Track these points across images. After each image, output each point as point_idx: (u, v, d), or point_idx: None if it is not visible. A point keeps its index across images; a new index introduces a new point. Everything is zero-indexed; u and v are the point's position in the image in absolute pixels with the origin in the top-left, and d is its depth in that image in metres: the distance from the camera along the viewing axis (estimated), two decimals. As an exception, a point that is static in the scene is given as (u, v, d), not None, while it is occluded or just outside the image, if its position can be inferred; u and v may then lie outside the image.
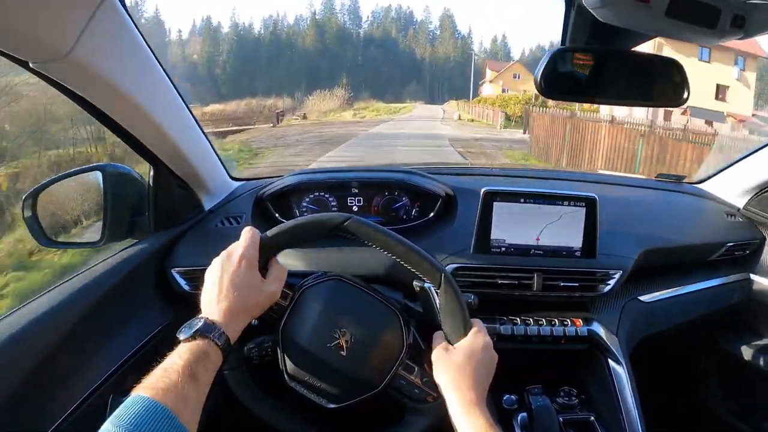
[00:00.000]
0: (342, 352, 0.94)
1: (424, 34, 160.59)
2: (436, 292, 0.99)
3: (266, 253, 0.95)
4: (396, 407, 0.99)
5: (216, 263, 0.92)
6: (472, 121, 37.32)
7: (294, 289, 1.00)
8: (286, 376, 0.96)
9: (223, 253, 0.93)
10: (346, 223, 0.96)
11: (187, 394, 0.72)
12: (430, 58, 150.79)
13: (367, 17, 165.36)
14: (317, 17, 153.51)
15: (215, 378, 0.82)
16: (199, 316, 0.85)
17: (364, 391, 0.95)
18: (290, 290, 0.99)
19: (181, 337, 0.81)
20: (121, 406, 0.69)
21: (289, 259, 1.34)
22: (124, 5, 0.95)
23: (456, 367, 0.90)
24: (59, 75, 0.92)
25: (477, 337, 0.94)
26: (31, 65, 0.87)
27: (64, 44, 0.83)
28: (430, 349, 0.96)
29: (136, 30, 1.02)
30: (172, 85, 1.21)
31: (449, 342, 0.95)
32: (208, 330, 0.82)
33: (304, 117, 48.56)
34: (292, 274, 1.01)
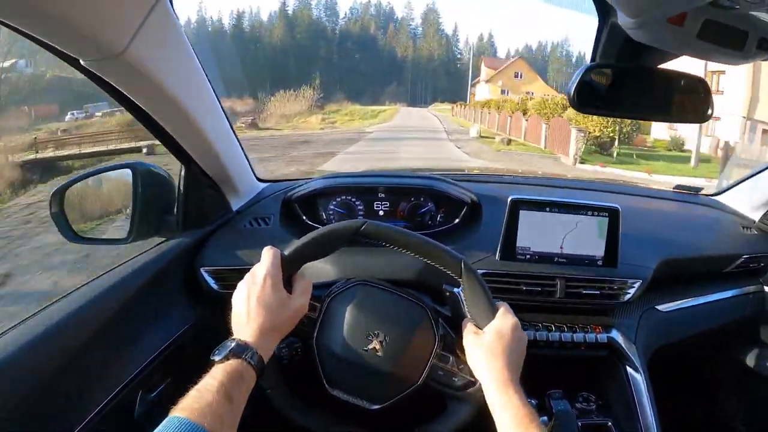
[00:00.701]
0: (378, 354, 0.96)
1: (405, 32, 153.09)
2: (461, 288, 1.01)
3: (289, 269, 0.97)
4: (438, 399, 1.01)
5: (241, 286, 0.95)
6: (509, 143, 23.10)
7: (321, 300, 1.02)
8: (326, 385, 0.98)
9: (247, 276, 0.96)
10: (362, 229, 0.98)
11: (222, 414, 0.74)
12: (413, 57, 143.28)
13: (345, 13, 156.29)
14: (288, 10, 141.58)
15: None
16: (231, 338, 0.88)
17: (404, 387, 0.98)
18: (317, 302, 1.02)
19: (216, 358, 0.84)
20: (158, 428, 0.71)
21: (316, 271, 1.35)
22: (173, 7, 0.98)
23: (487, 349, 0.93)
24: (109, 74, 0.94)
25: (505, 319, 0.96)
26: (82, 63, 0.89)
27: (119, 44, 0.85)
28: (461, 338, 0.99)
29: (183, 33, 1.05)
30: (211, 87, 1.24)
31: (478, 327, 0.97)
32: (240, 351, 0.85)
33: (253, 124, 36.20)
34: (317, 286, 1.03)
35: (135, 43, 0.87)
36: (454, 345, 1.02)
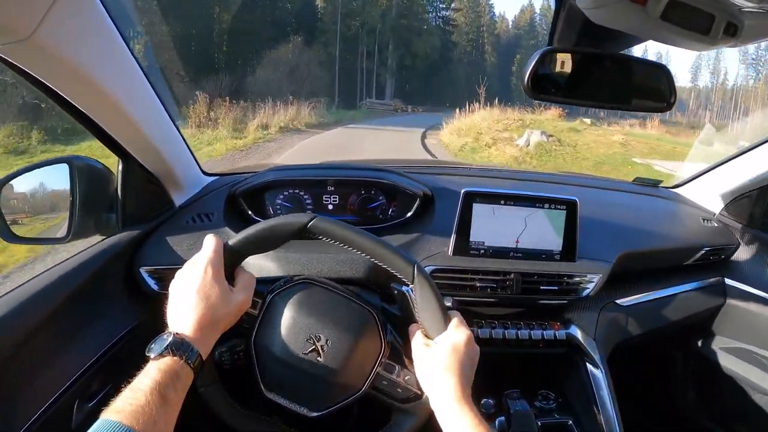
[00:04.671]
0: (319, 358, 0.90)
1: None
2: (412, 290, 0.95)
3: (231, 261, 0.91)
4: (382, 409, 0.97)
5: (180, 276, 0.88)
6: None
7: (263, 297, 0.96)
8: (263, 388, 0.92)
9: (187, 264, 0.89)
10: (310, 225, 0.92)
11: (156, 417, 0.69)
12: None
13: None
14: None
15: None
16: (168, 331, 0.81)
17: (345, 395, 0.93)
18: (259, 298, 0.96)
19: (151, 355, 0.77)
20: (90, 430, 0.66)
21: (258, 264, 1.30)
22: None
23: (439, 363, 0.87)
24: (21, 60, 0.86)
25: (458, 331, 0.90)
26: None
27: (26, 26, 0.77)
28: (408, 346, 0.94)
29: (107, 15, 0.96)
30: (143, 74, 1.16)
31: (428, 337, 0.92)
32: (177, 347, 0.78)
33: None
34: (260, 281, 0.98)
35: (45, 26, 0.79)
36: (401, 354, 0.97)
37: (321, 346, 0.91)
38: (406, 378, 0.94)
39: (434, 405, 0.86)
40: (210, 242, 0.90)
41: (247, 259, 0.96)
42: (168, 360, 0.76)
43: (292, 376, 0.91)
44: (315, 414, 0.92)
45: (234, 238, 0.93)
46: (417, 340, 0.92)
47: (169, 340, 0.78)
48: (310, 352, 0.91)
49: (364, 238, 0.93)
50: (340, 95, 49.37)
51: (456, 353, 0.87)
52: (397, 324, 1.05)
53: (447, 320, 0.92)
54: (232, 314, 0.87)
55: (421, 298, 0.93)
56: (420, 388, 0.91)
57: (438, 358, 0.87)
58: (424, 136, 20.16)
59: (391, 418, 0.97)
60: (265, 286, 0.98)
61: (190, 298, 0.84)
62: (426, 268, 1.31)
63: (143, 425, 0.67)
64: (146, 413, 0.68)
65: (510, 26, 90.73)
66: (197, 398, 0.92)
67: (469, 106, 22.06)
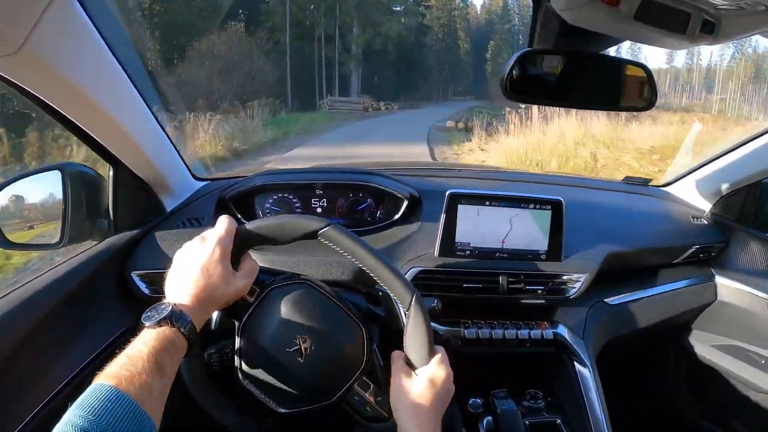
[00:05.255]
0: (300, 359, 0.91)
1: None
2: (404, 312, 0.96)
3: (240, 246, 0.92)
4: (346, 422, 0.98)
5: (189, 246, 0.89)
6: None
7: (262, 286, 0.97)
8: (240, 374, 0.93)
9: (197, 238, 0.90)
10: (323, 230, 0.93)
11: (151, 384, 0.69)
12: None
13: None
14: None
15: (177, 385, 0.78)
16: (165, 301, 0.82)
17: (317, 400, 0.93)
18: (258, 286, 0.97)
19: (147, 323, 0.78)
20: (84, 394, 0.66)
21: (257, 255, 1.30)
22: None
23: (417, 395, 0.88)
24: (10, 72, 0.88)
25: (440, 367, 0.91)
26: None
27: (15, 40, 0.78)
28: (389, 369, 0.94)
29: (93, 26, 0.97)
30: (131, 82, 1.17)
31: (411, 366, 0.93)
32: (175, 317, 0.78)
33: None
34: (264, 271, 0.99)
35: (33, 39, 0.80)
36: (379, 375, 0.99)
37: (305, 347, 0.91)
38: (378, 399, 0.95)
39: None
40: (224, 222, 0.91)
41: None
42: (165, 329, 0.77)
43: (271, 370, 0.92)
44: (283, 410, 0.93)
45: (248, 224, 0.94)
46: (398, 367, 0.93)
47: (167, 310, 0.79)
48: (293, 350, 0.91)
49: (372, 257, 0.93)
50: (294, 94, 38.90)
51: (433, 388, 0.88)
52: (381, 328, 1.06)
53: (432, 354, 0.93)
54: (228, 296, 0.88)
55: (412, 327, 0.93)
56: (389, 412, 0.92)
57: (415, 389, 0.88)
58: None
59: None
60: (266, 276, 1.00)
61: (193, 271, 0.85)
62: (412, 269, 1.33)
63: (138, 392, 0.67)
64: (142, 380, 0.68)
65: (481, 11, 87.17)
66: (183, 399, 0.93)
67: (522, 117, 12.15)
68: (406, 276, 0.99)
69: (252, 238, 0.94)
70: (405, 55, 55.32)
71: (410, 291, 0.93)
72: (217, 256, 0.86)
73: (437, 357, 0.92)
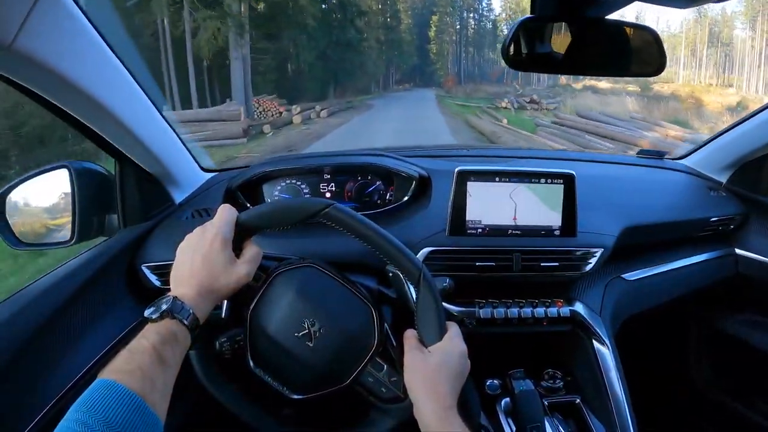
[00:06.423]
0: (309, 343, 0.90)
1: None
2: (414, 288, 0.95)
3: (241, 233, 0.92)
4: (362, 404, 0.97)
5: (189, 239, 0.90)
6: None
7: (268, 272, 0.96)
8: (250, 361, 0.93)
9: (197, 230, 0.90)
10: (325, 211, 0.92)
11: (154, 377, 0.70)
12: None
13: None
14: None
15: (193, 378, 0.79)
16: (168, 294, 0.82)
17: (329, 385, 0.92)
18: (264, 272, 0.96)
19: (149, 317, 0.78)
20: (86, 391, 0.66)
21: (262, 238, 1.30)
22: None
23: (431, 372, 0.86)
24: (4, 68, 0.88)
25: (453, 343, 0.90)
26: None
27: (5, 35, 0.78)
28: (401, 348, 0.93)
29: (86, 18, 0.97)
30: (130, 74, 1.17)
31: (423, 344, 0.91)
32: (176, 310, 0.79)
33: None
34: (267, 257, 0.98)
35: (25, 33, 0.80)
36: (391, 355, 0.97)
37: (314, 331, 0.90)
38: (392, 379, 0.94)
39: (419, 412, 0.85)
40: (223, 211, 0.91)
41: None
42: (166, 322, 0.77)
43: (281, 356, 0.91)
44: (296, 396, 0.92)
45: (249, 211, 0.94)
46: (411, 346, 0.91)
47: (168, 303, 0.79)
48: (302, 335, 0.90)
49: (376, 234, 0.92)
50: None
51: (447, 365, 0.87)
52: (393, 309, 1.05)
53: (444, 330, 0.91)
54: (231, 285, 0.88)
55: (422, 304, 0.92)
56: (404, 392, 0.90)
57: (430, 367, 0.87)
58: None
59: (369, 415, 0.97)
60: (272, 262, 0.99)
61: (194, 262, 0.85)
62: (424, 250, 1.31)
63: (141, 385, 0.67)
64: (144, 373, 0.69)
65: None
66: (201, 392, 0.94)
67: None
68: (417, 257, 0.98)
69: (253, 224, 0.93)
70: (329, 34, 35.17)
71: (417, 266, 0.91)
72: (217, 245, 0.86)
73: (450, 332, 0.91)
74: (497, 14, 75.47)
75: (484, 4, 75.06)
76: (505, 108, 26.79)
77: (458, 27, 75.12)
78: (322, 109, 23.09)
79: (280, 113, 20.68)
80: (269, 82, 28.30)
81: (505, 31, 1.11)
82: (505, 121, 19.08)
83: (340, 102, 30.90)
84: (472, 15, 75.04)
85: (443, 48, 70.81)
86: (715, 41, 62.11)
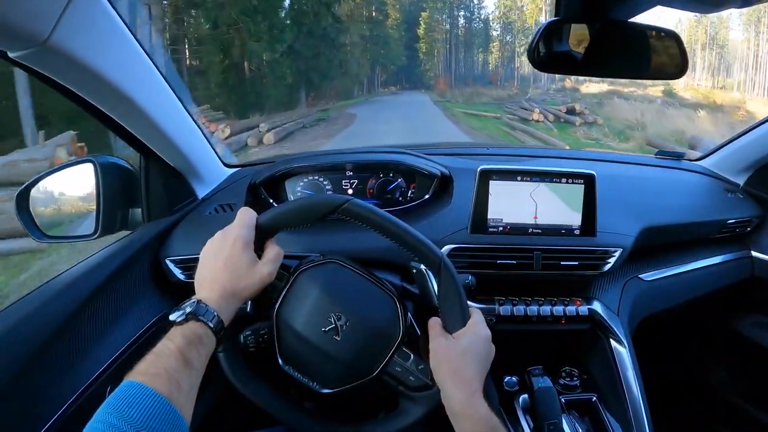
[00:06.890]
0: (336, 337, 0.92)
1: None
2: (435, 277, 0.96)
3: (262, 234, 0.94)
4: (392, 394, 0.98)
5: (211, 244, 0.92)
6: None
7: (290, 271, 0.98)
8: (279, 359, 0.95)
9: (218, 234, 0.92)
10: (343, 206, 0.93)
11: (180, 379, 0.71)
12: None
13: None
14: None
15: (215, 374, 0.81)
16: (192, 298, 0.84)
17: (358, 377, 0.94)
18: (286, 271, 0.98)
19: (174, 320, 0.80)
20: (113, 393, 0.68)
21: (285, 239, 1.32)
22: None
23: (456, 358, 0.88)
24: (39, 64, 0.90)
25: (477, 328, 0.92)
26: (10, 56, 0.84)
27: (41, 31, 0.80)
28: (426, 336, 0.94)
29: (117, 16, 0.99)
30: (158, 71, 1.19)
31: (447, 331, 0.93)
32: (200, 312, 0.81)
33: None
34: (289, 256, 1.00)
35: (60, 30, 0.82)
36: (417, 343, 0.98)
37: (340, 325, 0.92)
38: (420, 367, 0.95)
39: (446, 397, 0.87)
40: (242, 215, 0.93)
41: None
42: (191, 325, 0.79)
43: (309, 351, 0.93)
44: (326, 391, 0.94)
45: (268, 212, 0.96)
46: (436, 333, 0.93)
47: (192, 306, 0.81)
48: (329, 330, 0.92)
49: (394, 226, 0.93)
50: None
51: (472, 350, 0.89)
52: (416, 305, 1.06)
53: (467, 316, 0.93)
54: (254, 285, 0.90)
55: (444, 292, 0.94)
56: (432, 379, 0.92)
57: (456, 352, 0.89)
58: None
59: (399, 404, 0.98)
60: (294, 261, 1.01)
61: (216, 267, 0.87)
62: (446, 247, 1.33)
63: (168, 387, 0.69)
64: (170, 376, 0.70)
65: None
66: (227, 389, 0.95)
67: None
68: None
69: (272, 225, 0.95)
70: (292, 12, 28.59)
71: (437, 254, 0.93)
72: (238, 248, 0.88)
73: (474, 318, 0.93)
74: (490, 12, 68.70)
75: (475, 1, 66.95)
76: (537, 121, 20.78)
77: (449, 26, 68.00)
78: (269, 129, 15.72)
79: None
80: (212, 87, 21.90)
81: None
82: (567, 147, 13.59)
83: (311, 111, 24.34)
84: (462, 13, 67.76)
85: (433, 47, 66.33)
86: (711, 43, 61.50)
